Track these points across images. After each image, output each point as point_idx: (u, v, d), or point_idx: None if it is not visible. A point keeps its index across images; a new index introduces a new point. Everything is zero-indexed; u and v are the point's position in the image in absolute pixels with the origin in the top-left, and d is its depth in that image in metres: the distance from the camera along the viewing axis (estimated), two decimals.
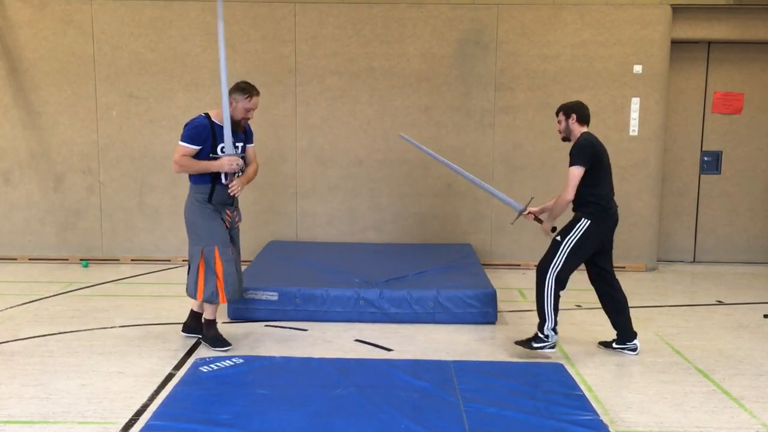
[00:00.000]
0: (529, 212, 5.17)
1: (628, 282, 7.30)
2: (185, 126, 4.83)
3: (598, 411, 3.85)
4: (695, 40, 7.91)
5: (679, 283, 7.40)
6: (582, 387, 4.22)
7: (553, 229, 5.02)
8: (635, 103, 7.70)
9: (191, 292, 4.95)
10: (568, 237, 4.78)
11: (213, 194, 4.87)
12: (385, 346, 5.12)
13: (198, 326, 5.21)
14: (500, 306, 5.83)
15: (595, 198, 4.79)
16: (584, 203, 4.82)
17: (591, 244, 4.83)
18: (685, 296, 6.82)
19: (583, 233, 4.76)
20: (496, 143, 7.81)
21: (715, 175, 8.22)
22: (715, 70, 8.06)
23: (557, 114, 4.98)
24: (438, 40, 7.69)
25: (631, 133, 7.74)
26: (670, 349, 5.15)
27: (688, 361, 4.89)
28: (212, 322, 5.04)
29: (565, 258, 4.77)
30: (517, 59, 7.70)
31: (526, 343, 4.92)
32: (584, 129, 4.91)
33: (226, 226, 4.93)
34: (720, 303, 6.53)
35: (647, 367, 4.76)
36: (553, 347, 4.87)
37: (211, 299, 4.89)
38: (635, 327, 5.62)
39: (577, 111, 4.88)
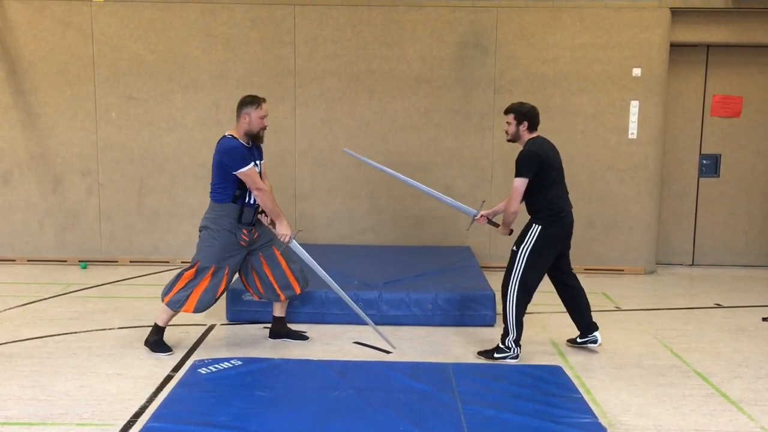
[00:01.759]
0: (482, 216, 5.13)
1: (626, 285, 7.33)
2: (229, 152, 4.70)
3: (597, 414, 3.85)
4: (694, 44, 7.92)
5: (677, 286, 7.41)
6: (580, 389, 4.22)
7: (511, 232, 4.98)
8: (634, 106, 7.71)
9: (164, 292, 4.90)
10: (523, 245, 4.76)
11: (242, 215, 4.85)
12: (384, 348, 5.12)
13: (284, 330, 5.27)
14: (498, 308, 5.82)
15: (545, 204, 4.76)
16: (535, 209, 4.80)
17: (548, 250, 4.79)
18: (683, 299, 6.82)
19: (536, 239, 4.73)
20: (495, 146, 7.81)
21: (713, 178, 8.23)
22: (714, 74, 8.07)
23: (507, 113, 4.87)
24: (437, 42, 7.70)
25: (630, 136, 7.75)
26: (668, 352, 5.15)
27: (687, 364, 4.89)
28: (161, 329, 4.98)
29: (524, 266, 4.74)
30: (516, 62, 7.71)
31: (488, 354, 4.90)
32: (533, 135, 4.84)
33: (242, 245, 4.89)
34: (719, 306, 6.53)
35: (646, 370, 4.76)
36: (514, 358, 4.84)
37: (174, 306, 4.86)
38: (634, 330, 5.64)
39: (530, 119, 4.81)
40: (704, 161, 8.20)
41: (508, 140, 4.96)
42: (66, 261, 7.98)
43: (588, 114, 7.71)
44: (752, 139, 8.14)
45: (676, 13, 7.67)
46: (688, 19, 7.72)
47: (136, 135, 7.83)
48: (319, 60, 7.74)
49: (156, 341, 4.96)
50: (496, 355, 4.86)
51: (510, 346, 4.82)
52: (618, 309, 6.34)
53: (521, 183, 4.69)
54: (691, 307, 6.52)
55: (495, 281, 6.74)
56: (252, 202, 4.86)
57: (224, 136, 4.83)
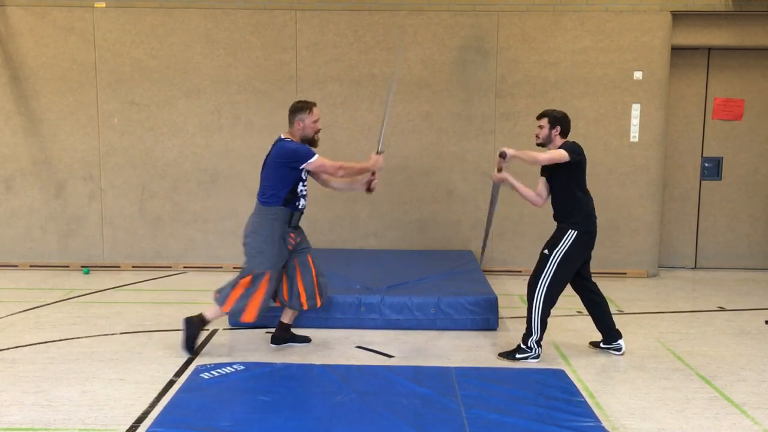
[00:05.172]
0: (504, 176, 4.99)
1: (629, 288, 7.32)
2: (295, 149, 4.79)
3: (600, 417, 3.84)
4: (695, 47, 7.93)
5: (680, 289, 7.39)
6: (583, 393, 4.21)
7: (499, 170, 4.88)
8: (636, 110, 7.71)
9: (220, 300, 4.89)
10: (556, 250, 4.81)
11: (292, 219, 4.91)
12: (387, 352, 5.11)
13: (288, 335, 5.28)
14: (501, 312, 5.82)
15: (582, 206, 4.85)
16: (571, 213, 4.86)
17: (578, 255, 4.87)
18: (686, 302, 6.81)
19: (571, 244, 4.80)
20: (497, 149, 7.79)
21: (716, 181, 8.22)
22: (716, 77, 8.07)
23: (540, 118, 4.94)
24: (439, 46, 7.71)
25: (631, 140, 7.75)
26: (671, 356, 5.14)
27: (690, 368, 4.88)
28: (206, 322, 4.97)
29: (555, 270, 4.80)
30: (517, 66, 7.71)
31: (510, 355, 4.97)
32: (564, 141, 4.92)
33: (289, 249, 4.94)
34: (722, 309, 6.52)
35: (649, 374, 4.75)
36: (536, 358, 4.93)
37: (235, 314, 4.92)
38: (637, 333, 5.63)
39: (563, 125, 4.90)
40: (706, 164, 8.20)
41: (538, 144, 5.01)
42: (68, 266, 7.98)
43: (589, 117, 7.71)
44: (754, 141, 8.14)
45: (677, 16, 7.68)
46: (689, 22, 7.73)
47: (138, 140, 7.85)
48: (320, 65, 7.75)
49: (195, 335, 4.96)
50: (518, 356, 4.94)
51: (532, 346, 4.91)
52: (621, 312, 6.33)
53: (564, 155, 4.67)
54: (693, 310, 6.51)
55: (497, 285, 6.75)
56: (299, 206, 4.94)
57: (283, 139, 4.91)
